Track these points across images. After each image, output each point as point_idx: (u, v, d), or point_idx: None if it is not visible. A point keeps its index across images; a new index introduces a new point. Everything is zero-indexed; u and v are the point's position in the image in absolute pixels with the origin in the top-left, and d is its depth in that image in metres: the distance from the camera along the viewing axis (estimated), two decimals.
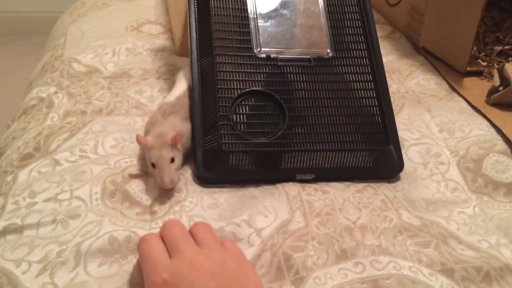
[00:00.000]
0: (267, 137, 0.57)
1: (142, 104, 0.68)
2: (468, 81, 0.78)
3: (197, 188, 0.55)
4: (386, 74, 0.65)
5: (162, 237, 0.45)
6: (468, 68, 0.79)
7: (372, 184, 0.59)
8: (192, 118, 0.60)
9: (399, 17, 0.92)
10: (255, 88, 0.59)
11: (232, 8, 0.64)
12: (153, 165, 0.53)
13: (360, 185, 0.58)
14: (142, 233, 0.49)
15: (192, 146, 0.58)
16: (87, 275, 0.45)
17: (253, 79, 0.60)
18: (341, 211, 0.54)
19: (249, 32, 0.63)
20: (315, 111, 0.59)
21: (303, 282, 0.46)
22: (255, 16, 0.64)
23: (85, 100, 0.69)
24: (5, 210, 0.51)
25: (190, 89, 0.63)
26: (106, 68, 0.76)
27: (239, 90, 0.59)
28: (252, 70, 0.60)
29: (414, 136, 0.66)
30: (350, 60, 0.64)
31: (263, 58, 0.61)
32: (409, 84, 0.78)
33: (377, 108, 0.62)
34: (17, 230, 0.49)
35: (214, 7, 0.63)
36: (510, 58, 0.83)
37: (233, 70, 0.60)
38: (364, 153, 0.59)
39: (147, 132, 0.57)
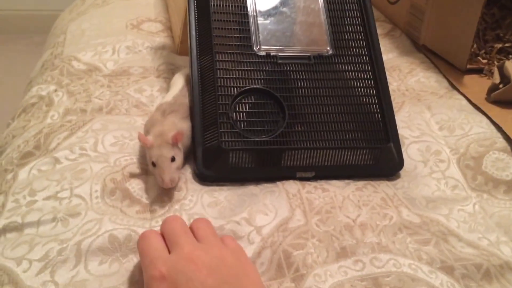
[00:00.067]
0: (267, 135, 0.57)
1: (142, 104, 0.68)
2: (468, 79, 0.78)
3: (197, 186, 0.55)
4: (386, 72, 0.65)
5: (162, 232, 0.45)
6: (468, 66, 0.79)
7: (372, 182, 0.59)
8: (191, 116, 0.60)
9: (399, 15, 0.92)
10: (255, 86, 0.59)
11: (231, 6, 0.64)
12: (154, 164, 0.53)
13: (360, 183, 0.58)
14: (142, 231, 0.49)
15: (192, 144, 0.58)
16: (87, 273, 0.45)
17: (253, 77, 0.60)
18: (341, 209, 0.54)
19: (249, 30, 0.63)
20: (315, 109, 0.59)
21: (303, 279, 0.46)
22: (255, 14, 0.64)
23: (85, 98, 0.69)
24: (5, 208, 0.51)
25: (188, 88, 0.63)
26: (106, 66, 0.76)
27: (239, 88, 0.59)
28: (252, 68, 0.60)
29: (414, 134, 0.66)
30: (350, 58, 0.64)
31: (263, 56, 0.61)
32: (409, 81, 0.78)
33: (377, 106, 0.62)
34: (18, 228, 0.49)
35: (214, 5, 0.63)
36: (510, 56, 0.83)
37: (233, 68, 0.60)
38: (364, 151, 0.59)
39: (147, 132, 0.56)
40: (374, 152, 0.59)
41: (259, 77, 0.60)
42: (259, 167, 0.57)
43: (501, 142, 0.63)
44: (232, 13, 0.63)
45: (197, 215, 0.52)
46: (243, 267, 0.42)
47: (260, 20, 0.64)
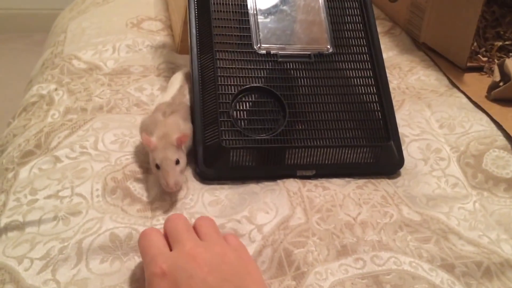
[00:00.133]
0: (267, 134, 0.57)
1: (143, 102, 0.68)
2: (468, 77, 0.78)
3: (197, 185, 0.56)
4: (386, 70, 0.65)
5: (165, 230, 0.45)
6: (469, 64, 0.79)
7: (373, 180, 0.59)
8: (192, 115, 0.59)
9: (399, 13, 0.92)
10: (255, 85, 0.59)
11: (232, 4, 0.64)
12: (157, 167, 0.52)
13: (361, 181, 0.58)
14: (143, 230, 0.49)
15: (193, 143, 0.58)
16: (89, 272, 0.45)
17: (253, 75, 0.60)
18: (341, 207, 0.54)
19: (249, 28, 0.63)
20: (316, 107, 0.59)
21: (304, 277, 0.46)
22: (255, 12, 0.64)
23: (86, 97, 0.69)
24: (7, 207, 0.52)
25: (186, 87, 0.62)
26: (106, 65, 0.76)
27: (239, 87, 0.59)
28: (252, 67, 0.60)
29: (414, 132, 0.66)
30: (350, 56, 0.64)
31: (263, 54, 0.61)
32: (410, 80, 0.78)
33: (378, 104, 0.62)
34: (19, 227, 0.49)
35: (214, 4, 0.63)
36: (510, 54, 0.83)
37: (233, 66, 0.60)
38: (365, 149, 0.59)
39: (147, 132, 0.55)
40: (374, 150, 0.59)
41: (259, 75, 0.60)
42: (260, 165, 0.57)
43: (501, 140, 0.64)
44: (233, 12, 0.63)
45: (198, 214, 0.52)
46: (244, 265, 0.42)
47: (261, 18, 0.64)
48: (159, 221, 0.51)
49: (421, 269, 0.48)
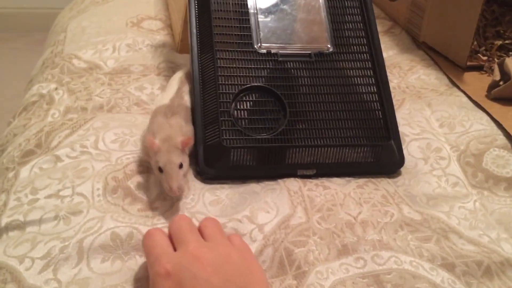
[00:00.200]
0: (268, 133, 0.57)
1: (143, 101, 0.68)
2: (468, 76, 0.78)
3: (198, 184, 0.56)
4: (387, 69, 0.65)
5: (170, 231, 0.45)
6: (469, 63, 0.79)
7: (373, 179, 0.59)
8: (192, 116, 0.59)
9: (399, 12, 0.92)
10: (255, 84, 0.59)
11: (232, 3, 0.64)
12: (160, 170, 0.51)
13: (361, 181, 0.58)
14: (144, 229, 0.49)
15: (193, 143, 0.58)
16: (90, 271, 0.45)
17: (253, 74, 0.60)
18: (342, 206, 0.54)
19: (250, 27, 0.63)
20: (316, 106, 0.59)
21: (305, 277, 0.46)
22: (256, 11, 0.64)
23: (86, 97, 0.69)
24: (7, 207, 0.52)
25: (184, 89, 0.62)
26: (106, 64, 0.76)
27: (239, 86, 0.59)
28: (253, 66, 0.60)
29: (414, 131, 0.66)
30: (351, 55, 0.64)
31: (264, 53, 0.61)
32: (410, 79, 0.78)
33: (378, 103, 0.62)
34: (20, 226, 0.49)
35: (214, 3, 0.63)
36: (510, 53, 0.83)
37: (234, 65, 0.60)
38: (365, 149, 0.59)
39: (152, 135, 0.54)
40: (375, 150, 0.59)
41: (260, 75, 0.60)
42: (260, 165, 0.57)
43: (501, 139, 0.64)
44: (233, 11, 0.63)
45: (199, 214, 0.52)
46: (248, 266, 0.42)
47: (261, 17, 0.64)
48: (160, 221, 0.51)
49: (421, 268, 0.48)
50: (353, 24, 0.66)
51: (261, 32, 0.63)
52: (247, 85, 0.59)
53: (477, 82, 0.76)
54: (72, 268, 0.45)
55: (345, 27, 0.66)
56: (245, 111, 0.58)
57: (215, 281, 0.39)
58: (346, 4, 0.67)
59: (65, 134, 0.61)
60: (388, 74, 0.66)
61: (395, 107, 0.65)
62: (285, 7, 0.66)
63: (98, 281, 0.45)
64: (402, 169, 0.61)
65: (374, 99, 0.62)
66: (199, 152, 0.57)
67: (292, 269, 0.47)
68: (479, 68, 0.80)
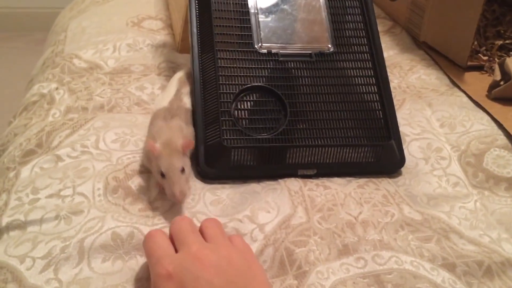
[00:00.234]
0: (268, 133, 0.57)
1: (144, 101, 0.68)
2: (469, 76, 0.78)
3: (199, 184, 0.56)
4: (387, 69, 0.65)
5: (171, 233, 0.45)
6: (469, 63, 0.79)
7: (374, 179, 0.59)
8: (193, 118, 0.59)
9: (400, 12, 0.92)
10: (256, 84, 0.59)
11: (232, 3, 0.64)
12: (162, 174, 0.50)
13: (362, 180, 0.58)
14: (144, 229, 0.49)
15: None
16: (91, 271, 0.45)
17: (254, 74, 0.60)
18: (342, 206, 0.54)
19: (250, 27, 0.63)
20: (317, 106, 0.59)
21: (306, 276, 0.46)
22: (256, 11, 0.64)
23: (86, 96, 0.69)
24: (8, 207, 0.52)
25: (180, 92, 0.61)
26: (107, 64, 0.76)
27: (240, 86, 0.59)
28: (253, 66, 0.60)
29: (415, 131, 0.66)
30: (351, 55, 0.64)
31: (264, 53, 0.61)
32: (410, 79, 0.78)
33: (379, 103, 0.62)
34: (20, 226, 0.49)
35: (215, 2, 0.63)
36: (511, 52, 0.83)
37: (234, 65, 0.60)
38: (366, 148, 0.59)
39: (153, 138, 0.53)
40: (375, 150, 0.59)
41: (260, 74, 0.60)
42: (261, 164, 0.57)
43: (502, 139, 0.64)
44: (233, 11, 0.63)
45: (199, 213, 0.52)
46: (250, 267, 0.42)
47: (261, 17, 0.64)
48: (160, 221, 0.51)
49: (422, 268, 0.48)
50: (353, 24, 0.66)
51: (261, 32, 0.63)
52: (248, 85, 0.59)
53: (478, 82, 0.76)
54: (73, 268, 0.45)
55: (346, 27, 0.66)
56: (246, 111, 0.58)
57: (217, 282, 0.39)
58: (347, 4, 0.67)
59: (66, 134, 0.61)
60: (388, 74, 0.66)
61: (396, 107, 0.65)
62: (285, 7, 0.66)
63: (99, 281, 0.45)
64: (403, 169, 0.61)
65: (375, 99, 0.62)
66: (199, 152, 0.57)
67: (293, 269, 0.47)
68: (479, 68, 0.80)
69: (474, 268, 0.48)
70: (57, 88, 0.71)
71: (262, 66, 0.60)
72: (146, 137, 0.57)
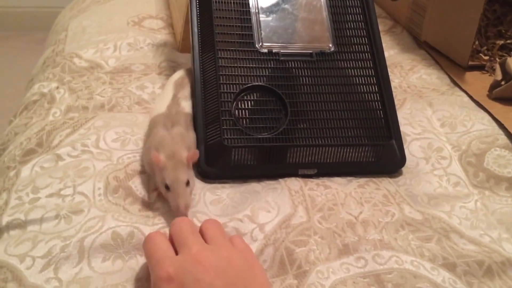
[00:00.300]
0: (269, 132, 0.57)
1: (144, 101, 0.68)
2: (470, 76, 0.78)
3: (199, 184, 0.55)
4: (388, 69, 0.65)
5: (171, 234, 0.45)
6: (470, 63, 0.79)
7: (374, 179, 0.59)
8: (193, 121, 0.59)
9: (401, 11, 0.92)
10: (257, 83, 0.59)
11: (233, 2, 0.64)
12: (167, 187, 0.50)
13: (362, 180, 0.58)
14: (145, 229, 0.49)
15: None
16: (91, 270, 0.45)
17: (255, 74, 0.60)
18: (343, 206, 0.54)
19: (251, 27, 0.63)
20: (317, 106, 0.59)
21: (306, 276, 0.46)
22: (257, 10, 0.64)
23: (87, 96, 0.69)
24: (8, 206, 0.52)
25: (176, 96, 0.60)
26: (107, 63, 0.76)
27: (241, 85, 0.59)
28: (254, 65, 0.60)
29: (416, 131, 0.66)
30: (352, 55, 0.64)
31: (265, 53, 0.61)
32: (411, 78, 0.78)
33: (379, 102, 0.62)
34: (21, 225, 0.49)
35: (216, 2, 0.63)
36: None
37: (235, 65, 0.60)
38: (366, 148, 0.59)
39: (156, 149, 0.51)
40: (376, 149, 0.59)
41: (261, 74, 0.60)
42: (262, 164, 0.57)
43: (502, 139, 0.64)
44: (234, 10, 0.63)
45: (199, 213, 0.52)
46: (250, 268, 0.42)
47: (262, 17, 0.64)
48: (160, 220, 0.51)
49: (422, 268, 0.48)
50: (354, 23, 0.66)
51: (262, 32, 0.63)
52: (248, 85, 0.59)
53: (479, 82, 0.76)
54: (73, 267, 0.45)
55: (347, 26, 0.66)
56: (246, 111, 0.58)
57: (217, 284, 0.39)
58: (348, 3, 0.67)
59: (66, 133, 0.61)
60: (389, 73, 0.66)
61: (397, 106, 0.65)
62: (286, 6, 0.66)
63: (99, 280, 0.45)
64: (403, 169, 0.61)
65: (376, 99, 0.62)
66: (200, 151, 0.56)
67: (293, 268, 0.47)
68: (480, 68, 0.80)
69: (474, 268, 0.48)
70: (57, 87, 0.71)
71: (263, 66, 0.60)
72: (147, 147, 0.55)
